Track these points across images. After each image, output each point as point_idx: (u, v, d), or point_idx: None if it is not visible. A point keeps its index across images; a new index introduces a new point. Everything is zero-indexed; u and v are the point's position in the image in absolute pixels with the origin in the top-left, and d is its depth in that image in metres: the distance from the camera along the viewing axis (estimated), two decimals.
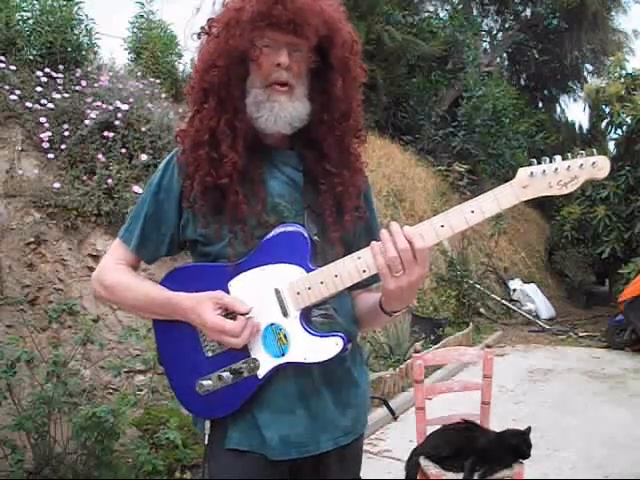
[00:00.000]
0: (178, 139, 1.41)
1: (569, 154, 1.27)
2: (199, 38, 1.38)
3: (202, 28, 1.38)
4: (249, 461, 1.34)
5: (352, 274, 1.28)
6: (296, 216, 1.36)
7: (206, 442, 1.39)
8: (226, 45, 1.30)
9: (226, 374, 1.30)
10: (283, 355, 1.30)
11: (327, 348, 1.28)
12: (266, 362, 1.31)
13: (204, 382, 1.31)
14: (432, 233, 1.25)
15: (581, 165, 1.24)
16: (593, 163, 1.24)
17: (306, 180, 1.39)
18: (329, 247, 1.35)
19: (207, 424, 1.38)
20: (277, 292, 1.31)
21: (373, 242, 1.25)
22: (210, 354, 1.35)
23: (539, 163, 1.26)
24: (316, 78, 1.37)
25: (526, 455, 2.52)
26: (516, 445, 2.52)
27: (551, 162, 1.26)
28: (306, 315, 1.32)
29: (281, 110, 1.32)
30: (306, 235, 1.32)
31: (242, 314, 1.28)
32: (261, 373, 1.31)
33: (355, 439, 1.44)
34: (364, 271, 1.28)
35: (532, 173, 1.25)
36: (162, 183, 1.41)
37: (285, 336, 1.30)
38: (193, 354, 1.36)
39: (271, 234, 1.33)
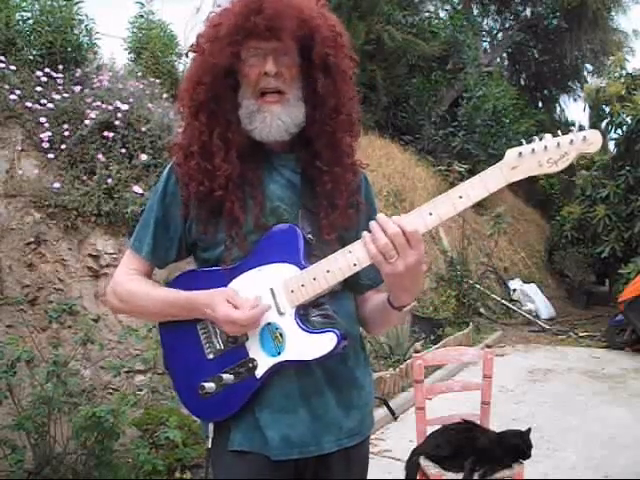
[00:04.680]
0: (173, 152, 1.44)
1: (559, 131, 1.25)
2: (187, 56, 1.42)
3: (191, 46, 1.41)
4: (252, 462, 1.35)
5: (343, 268, 1.28)
6: (295, 218, 1.37)
7: (209, 445, 1.40)
8: (209, 62, 1.33)
9: (226, 375, 1.32)
10: (279, 354, 1.32)
11: (322, 344, 1.29)
12: (263, 362, 1.32)
13: (205, 384, 1.32)
14: (420, 221, 1.24)
15: (571, 141, 1.22)
16: (584, 137, 1.22)
17: (303, 181, 1.40)
18: (325, 246, 1.35)
19: (210, 427, 1.40)
20: (272, 291, 1.32)
21: (364, 232, 1.25)
22: (211, 356, 1.37)
23: (529, 143, 1.25)
24: (306, 78, 1.36)
25: (526, 455, 2.52)
26: (516, 445, 2.52)
27: (542, 140, 1.24)
28: (303, 314, 1.33)
29: (273, 120, 1.33)
30: (298, 233, 1.33)
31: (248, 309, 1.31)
32: (259, 373, 1.33)
33: (360, 442, 1.44)
34: (354, 265, 1.27)
35: (521, 153, 1.23)
36: (167, 188, 1.43)
37: (281, 335, 1.31)
38: (195, 357, 1.38)
39: (265, 235, 1.35)
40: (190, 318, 1.38)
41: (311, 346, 1.30)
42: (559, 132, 1.25)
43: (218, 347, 1.36)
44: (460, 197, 1.24)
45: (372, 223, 1.24)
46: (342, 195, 1.39)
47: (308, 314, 1.33)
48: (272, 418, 1.34)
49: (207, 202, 1.36)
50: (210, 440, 1.40)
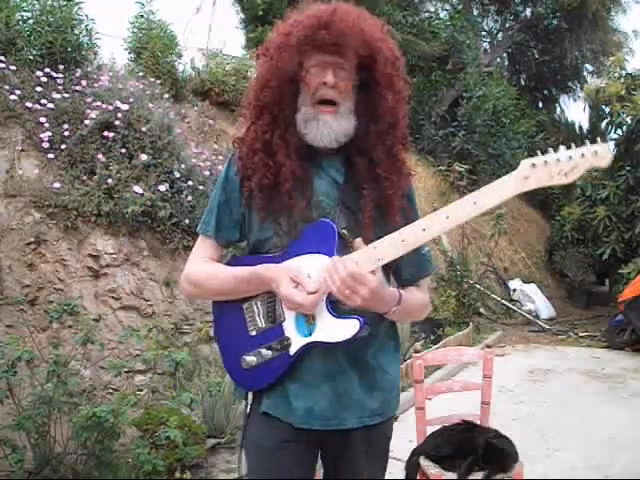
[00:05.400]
0: (235, 145, 1.60)
1: (573, 144, 1.30)
2: (257, 59, 1.57)
3: (259, 52, 1.57)
4: (280, 428, 1.52)
5: (368, 263, 1.39)
6: (335, 213, 1.51)
7: (248, 411, 1.59)
8: (277, 67, 1.48)
9: (264, 351, 1.49)
10: (310, 334, 1.46)
11: (346, 329, 1.42)
12: (297, 340, 1.48)
13: (247, 358, 1.51)
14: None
15: (582, 154, 1.28)
16: (595, 152, 1.27)
17: (347, 180, 1.54)
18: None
19: (250, 395, 1.58)
20: (309, 277, 1.44)
21: (326, 274, 1.40)
22: (254, 333, 1.53)
23: (544, 154, 1.30)
24: (362, 93, 1.51)
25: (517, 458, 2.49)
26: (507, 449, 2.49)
27: (555, 152, 1.29)
28: (333, 300, 1.44)
29: (325, 128, 1.48)
30: (334, 228, 1.46)
31: (310, 292, 1.42)
32: (292, 350, 1.48)
33: (382, 422, 1.57)
34: (379, 259, 1.40)
35: (534, 164, 1.30)
36: (228, 176, 1.60)
37: (313, 317, 1.46)
38: (240, 333, 1.55)
39: (308, 227, 1.49)
40: (260, 292, 1.51)
41: (337, 330, 1.43)
42: (573, 144, 1.30)
43: (260, 325, 1.52)
44: (475, 203, 1.33)
45: (327, 266, 1.40)
46: (399, 199, 1.53)
47: (338, 303, 1.44)
48: (299, 391, 1.50)
49: (265, 192, 1.50)
50: (249, 406, 1.59)
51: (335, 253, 1.44)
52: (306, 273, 1.44)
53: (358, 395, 1.51)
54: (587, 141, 1.29)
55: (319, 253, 1.46)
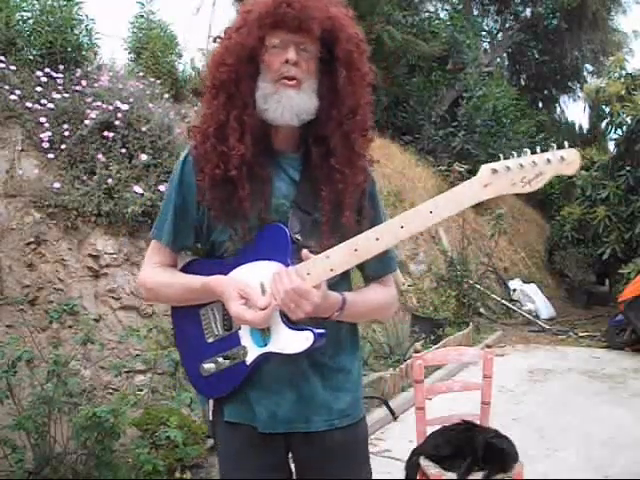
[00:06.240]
0: (190, 134, 1.49)
1: (538, 148, 1.21)
2: (215, 42, 1.48)
3: (219, 36, 1.47)
4: (243, 432, 1.48)
5: (320, 273, 1.34)
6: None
7: (210, 418, 1.54)
8: (235, 44, 1.39)
9: (221, 359, 1.45)
10: (265, 345, 1.41)
11: (299, 341, 1.37)
12: (252, 350, 1.43)
13: (205, 365, 1.47)
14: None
15: (548, 160, 1.17)
16: (561, 157, 1.17)
17: (303, 179, 1.46)
18: (312, 245, 1.39)
19: (211, 402, 1.53)
20: (262, 286, 1.39)
21: (272, 285, 1.35)
22: (210, 340, 1.48)
23: (506, 159, 1.20)
24: (325, 75, 1.42)
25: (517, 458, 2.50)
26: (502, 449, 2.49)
27: (520, 157, 1.19)
28: None
29: (287, 101, 1.38)
30: (287, 233, 1.39)
31: (260, 308, 1.36)
32: (248, 360, 1.43)
33: (352, 423, 1.51)
34: (331, 270, 1.33)
35: (495, 170, 1.20)
36: (182, 178, 1.49)
37: (268, 328, 1.40)
38: (198, 340, 1.49)
39: (260, 232, 1.42)
40: (210, 300, 1.46)
41: (291, 341, 1.38)
42: (538, 149, 1.20)
43: (216, 332, 1.47)
44: (431, 212, 1.25)
45: (273, 278, 1.35)
46: (350, 196, 1.43)
47: None
48: (261, 396, 1.45)
49: (219, 187, 1.40)
50: (211, 413, 1.53)
51: (289, 260, 1.36)
52: (259, 282, 1.38)
53: (323, 398, 1.46)
54: (554, 145, 1.18)
55: (273, 260, 1.38)
